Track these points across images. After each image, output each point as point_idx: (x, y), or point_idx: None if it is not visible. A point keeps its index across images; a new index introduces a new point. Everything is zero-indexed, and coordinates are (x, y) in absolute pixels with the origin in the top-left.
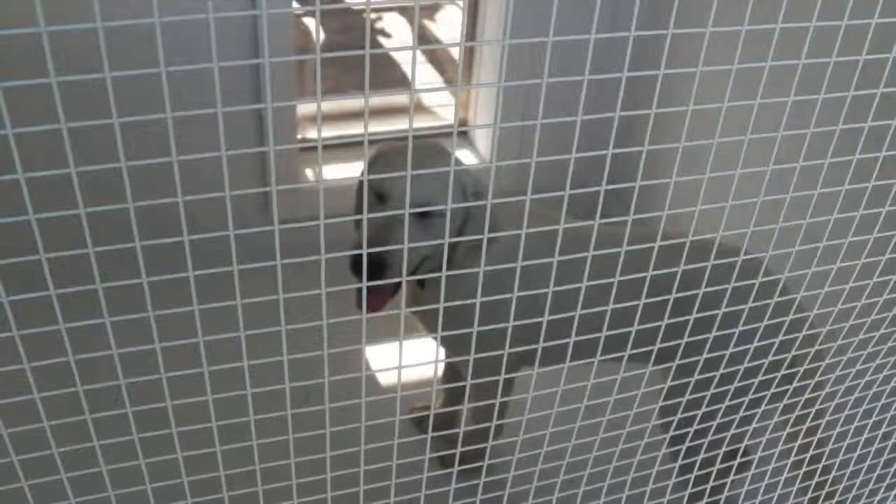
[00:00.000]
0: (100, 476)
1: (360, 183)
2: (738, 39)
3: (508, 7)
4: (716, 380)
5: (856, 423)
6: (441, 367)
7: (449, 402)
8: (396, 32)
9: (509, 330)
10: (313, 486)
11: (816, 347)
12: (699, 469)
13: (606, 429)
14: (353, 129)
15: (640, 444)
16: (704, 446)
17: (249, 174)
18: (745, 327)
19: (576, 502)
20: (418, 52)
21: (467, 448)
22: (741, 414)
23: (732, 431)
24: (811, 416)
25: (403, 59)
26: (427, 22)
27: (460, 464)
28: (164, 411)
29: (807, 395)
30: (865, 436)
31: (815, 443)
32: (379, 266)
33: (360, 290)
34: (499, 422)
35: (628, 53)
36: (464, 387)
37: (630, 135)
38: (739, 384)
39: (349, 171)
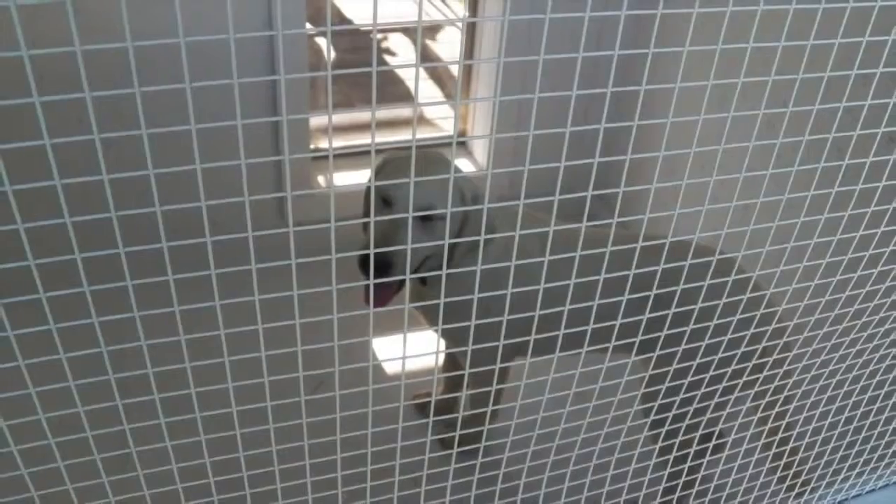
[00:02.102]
0: (129, 457)
1: (368, 189)
2: (714, 57)
3: (503, 28)
4: (693, 369)
5: (821, 409)
6: (442, 358)
7: (449, 390)
8: (401, 51)
9: (504, 323)
10: (325, 466)
11: (785, 339)
12: (677, 450)
13: (593, 414)
14: (362, 139)
15: (624, 427)
16: (682, 430)
17: (266, 181)
18: (719, 321)
19: (564, 481)
20: (421, 70)
21: (465, 431)
22: (716, 400)
23: (708, 416)
24: (780, 402)
25: (407, 75)
26: (429, 42)
27: (459, 445)
28: (188, 398)
29: (776, 383)
30: (829, 420)
31: (783, 426)
32: (385, 265)
33: (367, 287)
34: (494, 407)
35: (612, 70)
36: (462, 375)
37: (615, 144)
38: (714, 373)
39: (358, 178)
